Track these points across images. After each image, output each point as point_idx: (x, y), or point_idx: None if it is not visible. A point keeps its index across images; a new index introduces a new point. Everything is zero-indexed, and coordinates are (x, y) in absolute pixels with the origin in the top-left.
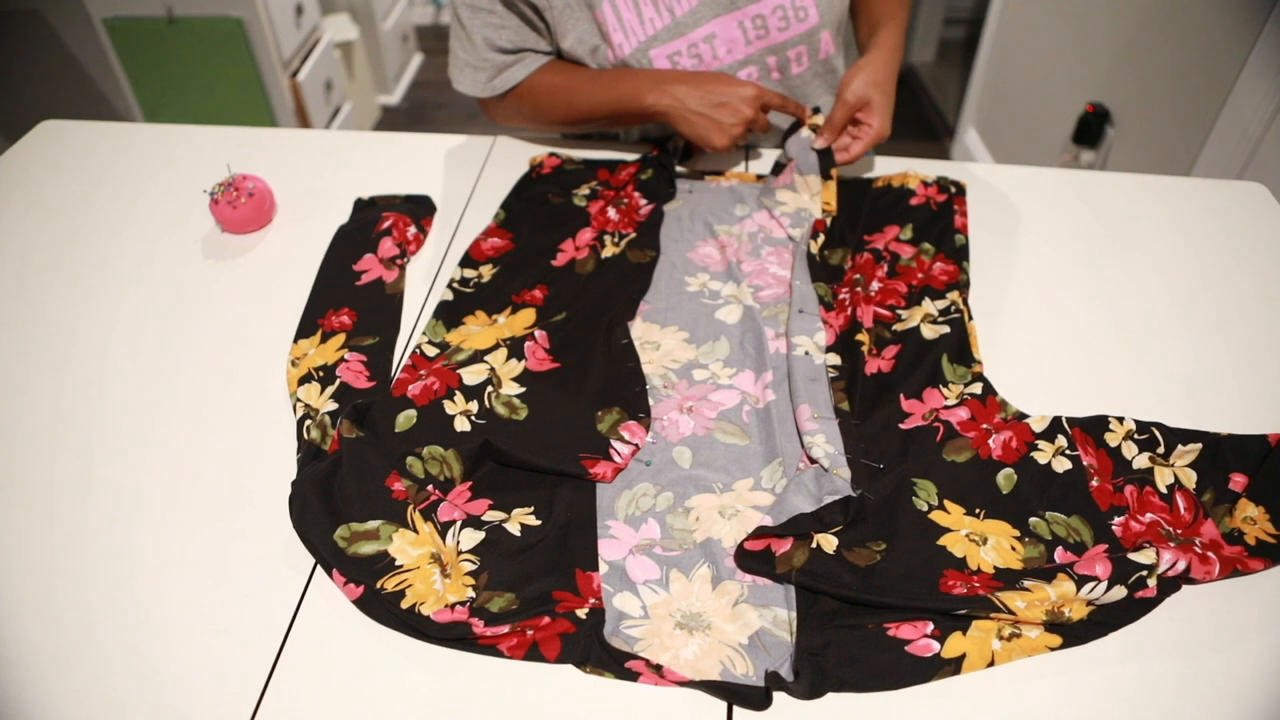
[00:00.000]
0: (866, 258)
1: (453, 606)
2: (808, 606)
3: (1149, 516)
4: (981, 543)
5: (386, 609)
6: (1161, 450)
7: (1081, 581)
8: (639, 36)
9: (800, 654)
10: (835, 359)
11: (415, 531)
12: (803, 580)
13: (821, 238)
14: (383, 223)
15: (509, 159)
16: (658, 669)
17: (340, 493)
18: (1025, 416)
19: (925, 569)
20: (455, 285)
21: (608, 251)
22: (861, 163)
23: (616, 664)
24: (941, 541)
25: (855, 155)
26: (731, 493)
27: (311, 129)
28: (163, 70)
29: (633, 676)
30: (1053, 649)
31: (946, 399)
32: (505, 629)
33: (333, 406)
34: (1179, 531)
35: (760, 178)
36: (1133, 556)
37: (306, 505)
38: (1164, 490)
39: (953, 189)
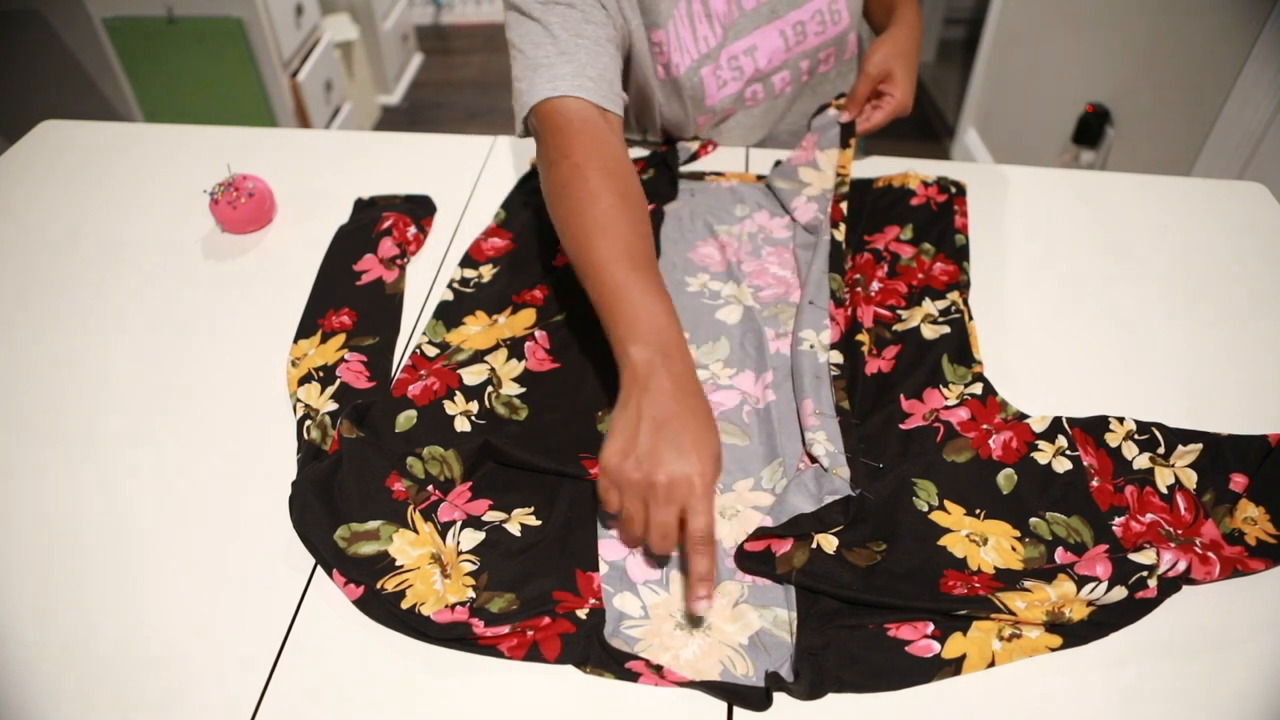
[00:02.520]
0: (867, 258)
1: (453, 607)
2: (808, 607)
3: (1149, 517)
4: (982, 543)
5: (386, 609)
6: (1162, 450)
7: (1082, 582)
8: (692, 55)
9: (800, 654)
10: (838, 357)
11: (415, 532)
12: (803, 580)
13: (843, 227)
14: (383, 223)
15: (509, 159)
16: (658, 669)
17: (340, 493)
18: (1025, 417)
19: (925, 569)
20: (455, 285)
21: None
22: (862, 163)
23: (616, 664)
24: (942, 542)
25: (875, 124)
26: (732, 493)
27: (311, 129)
28: (163, 70)
29: (633, 677)
30: (1053, 649)
31: (947, 399)
32: (505, 629)
33: (333, 406)
34: (1179, 532)
35: (760, 178)
36: (1133, 557)
37: (306, 505)
38: (1164, 490)
39: (953, 189)
